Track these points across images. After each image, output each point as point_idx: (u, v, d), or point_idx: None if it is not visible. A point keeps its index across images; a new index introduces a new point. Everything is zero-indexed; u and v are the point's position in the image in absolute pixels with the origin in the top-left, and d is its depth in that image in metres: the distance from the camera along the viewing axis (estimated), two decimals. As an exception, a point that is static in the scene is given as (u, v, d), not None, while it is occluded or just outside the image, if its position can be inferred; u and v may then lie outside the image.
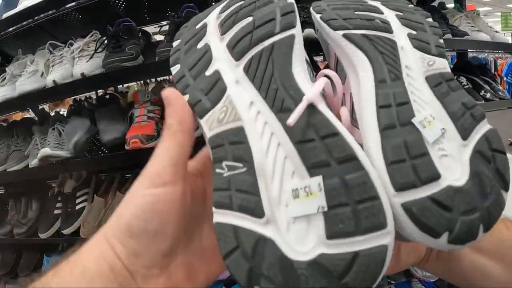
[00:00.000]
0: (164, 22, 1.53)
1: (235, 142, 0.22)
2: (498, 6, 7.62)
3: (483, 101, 1.34)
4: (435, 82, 0.25)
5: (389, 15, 0.31)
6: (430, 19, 0.32)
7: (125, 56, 1.02)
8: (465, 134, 0.23)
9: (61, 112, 1.55)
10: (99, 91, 1.83)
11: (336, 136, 0.21)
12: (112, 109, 1.24)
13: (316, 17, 0.30)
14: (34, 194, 1.46)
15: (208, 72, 0.26)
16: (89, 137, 1.19)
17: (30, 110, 2.03)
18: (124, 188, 1.34)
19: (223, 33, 0.27)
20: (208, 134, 0.24)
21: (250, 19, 0.26)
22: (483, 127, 0.24)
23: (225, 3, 0.30)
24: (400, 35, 0.28)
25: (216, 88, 0.25)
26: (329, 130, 0.21)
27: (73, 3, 1.23)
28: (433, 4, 1.43)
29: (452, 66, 1.62)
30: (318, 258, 0.19)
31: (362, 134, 0.23)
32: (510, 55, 4.76)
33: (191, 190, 0.26)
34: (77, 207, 1.31)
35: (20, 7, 1.21)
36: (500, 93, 1.42)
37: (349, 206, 0.19)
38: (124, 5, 1.46)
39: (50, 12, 1.34)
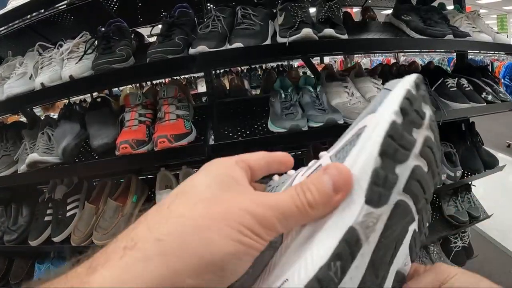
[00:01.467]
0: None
1: None
2: (494, 9, 7.64)
3: (485, 104, 1.31)
4: None
5: None
6: None
7: (115, 58, 0.98)
8: None
9: (51, 116, 1.51)
10: (94, 93, 1.79)
11: None
12: (103, 113, 1.20)
13: None
14: (25, 200, 1.42)
15: None
16: (78, 142, 1.14)
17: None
18: (116, 195, 1.30)
19: None
20: None
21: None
22: None
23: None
24: None
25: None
26: None
27: (64, 3, 1.20)
28: (433, 4, 1.40)
29: (449, 67, 1.59)
30: None
31: None
32: (506, 57, 4.75)
33: None
34: (68, 213, 1.27)
35: (9, 7, 1.17)
36: (501, 95, 1.38)
37: None
38: (117, 6, 1.43)
39: (42, 10, 1.31)
